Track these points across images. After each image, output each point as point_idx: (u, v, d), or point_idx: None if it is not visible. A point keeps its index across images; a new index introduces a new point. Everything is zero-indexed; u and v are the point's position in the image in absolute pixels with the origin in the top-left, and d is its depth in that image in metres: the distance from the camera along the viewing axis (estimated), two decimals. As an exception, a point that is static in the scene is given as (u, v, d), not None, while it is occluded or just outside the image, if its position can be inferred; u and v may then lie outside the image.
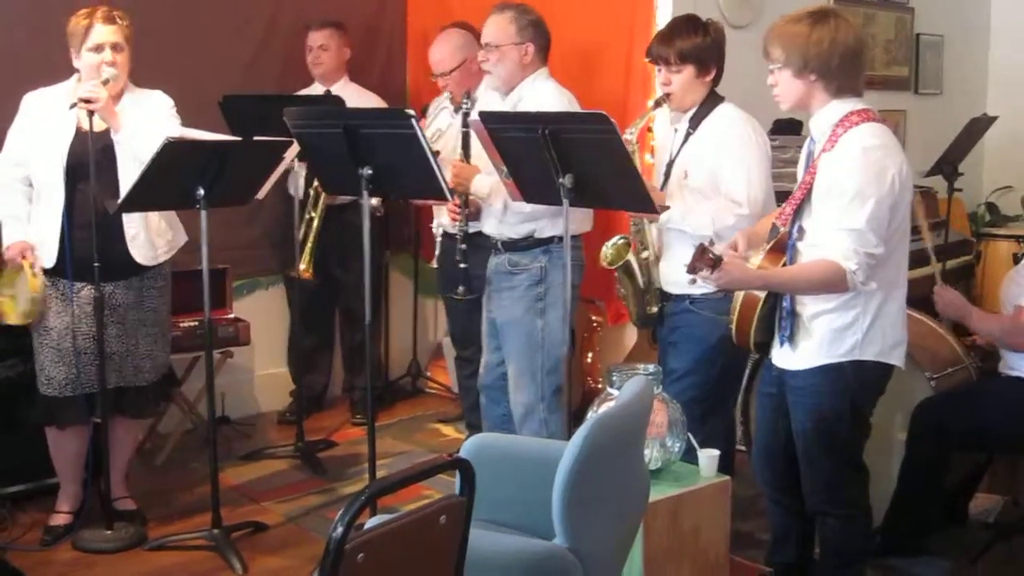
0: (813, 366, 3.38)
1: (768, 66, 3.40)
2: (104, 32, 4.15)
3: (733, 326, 3.52)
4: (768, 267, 3.36)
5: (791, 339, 3.41)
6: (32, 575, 3.68)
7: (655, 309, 4.13)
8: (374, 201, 4.58)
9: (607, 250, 4.11)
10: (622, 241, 4.09)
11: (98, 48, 4.15)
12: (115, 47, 4.17)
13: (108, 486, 4.38)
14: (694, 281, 3.23)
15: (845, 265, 3.18)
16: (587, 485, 2.66)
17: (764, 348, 3.55)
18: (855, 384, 3.39)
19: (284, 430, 5.87)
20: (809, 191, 3.31)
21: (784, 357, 3.46)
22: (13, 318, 4.22)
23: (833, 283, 3.22)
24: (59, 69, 4.35)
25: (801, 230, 3.36)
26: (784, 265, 3.37)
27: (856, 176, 3.18)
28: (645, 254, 4.08)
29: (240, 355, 5.69)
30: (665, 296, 4.10)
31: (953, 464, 4.18)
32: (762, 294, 3.42)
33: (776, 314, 3.46)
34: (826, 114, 3.33)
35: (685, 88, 3.95)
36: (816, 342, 3.37)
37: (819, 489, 3.53)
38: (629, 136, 3.89)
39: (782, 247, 3.39)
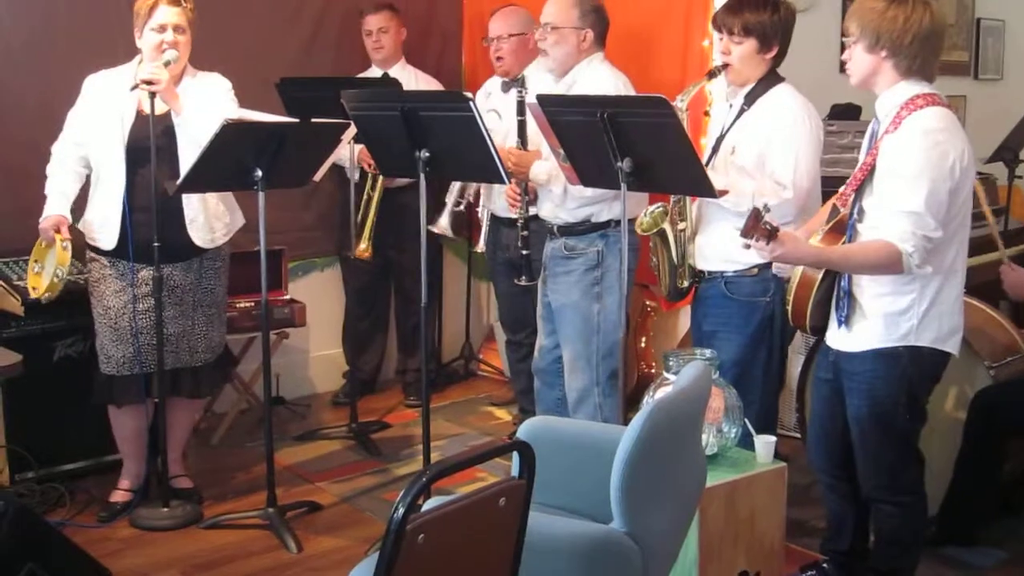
0: (868, 349, 3.36)
1: (846, 41, 3.37)
2: (168, 13, 4.19)
3: (789, 307, 3.49)
4: (802, 239, 3.33)
5: (847, 321, 3.38)
6: (89, 551, 3.71)
7: (686, 284, 4.08)
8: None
9: (644, 218, 4.06)
10: (659, 209, 4.03)
11: (161, 28, 4.18)
12: (177, 28, 4.21)
13: (165, 465, 4.43)
14: (748, 246, 3.18)
15: (901, 247, 3.15)
16: (645, 470, 2.65)
17: (820, 331, 3.53)
18: (911, 370, 3.36)
19: (338, 411, 5.91)
20: (870, 172, 3.29)
21: (840, 339, 3.44)
22: (36, 292, 4.23)
23: (888, 264, 3.19)
24: (119, 53, 4.40)
25: (862, 211, 3.34)
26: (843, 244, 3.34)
27: (916, 158, 3.16)
28: (682, 226, 4.02)
29: (295, 336, 5.74)
30: (696, 274, 4.06)
31: (1010, 454, 4.14)
32: (819, 274, 3.39)
33: (833, 296, 3.43)
34: (892, 95, 3.30)
35: (744, 61, 3.91)
36: (872, 325, 3.34)
37: (875, 475, 3.50)
38: (679, 104, 3.81)
39: (841, 228, 3.36)
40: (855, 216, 3.35)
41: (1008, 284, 4.15)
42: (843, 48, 3.45)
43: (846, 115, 5.39)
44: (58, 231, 4.18)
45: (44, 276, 4.21)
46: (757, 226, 3.09)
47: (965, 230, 3.36)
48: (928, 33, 3.25)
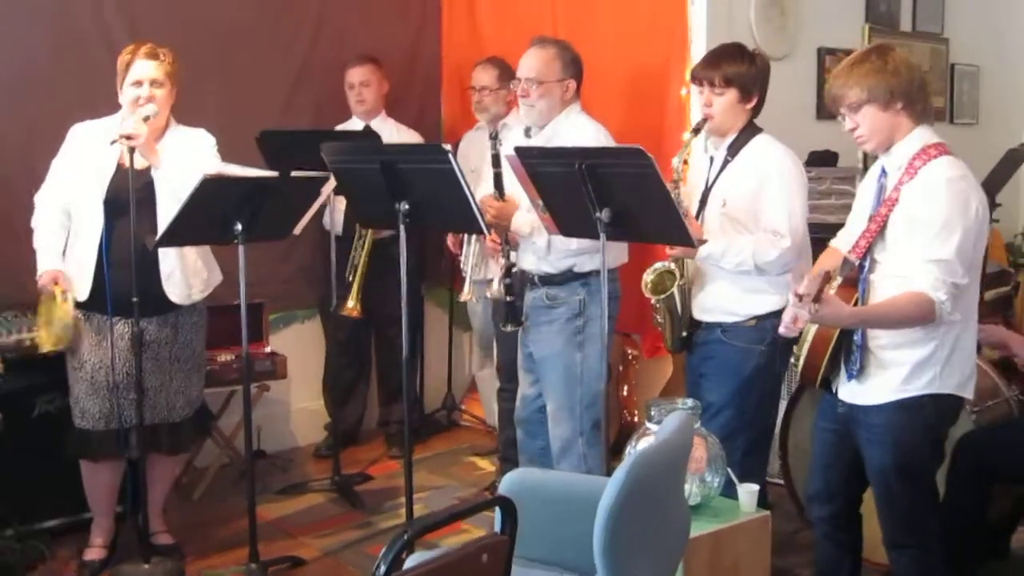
0: (890, 400, 3.34)
1: (843, 112, 3.37)
2: (145, 67, 4.20)
3: (801, 361, 3.47)
4: (843, 301, 3.27)
5: (860, 374, 3.37)
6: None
7: (685, 333, 4.12)
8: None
9: (648, 276, 4.09)
10: (665, 268, 4.07)
11: (138, 83, 4.20)
12: (154, 83, 4.21)
13: (146, 521, 4.38)
14: (815, 311, 3.10)
15: (934, 296, 3.16)
16: (629, 522, 2.64)
17: (828, 383, 3.52)
18: (935, 418, 3.36)
19: (320, 463, 5.88)
20: (884, 224, 3.30)
21: (853, 392, 3.42)
22: (47, 346, 4.24)
23: (923, 315, 3.19)
24: (98, 103, 4.41)
25: (874, 262, 3.34)
26: (857, 299, 3.33)
27: (943, 207, 3.18)
28: (682, 281, 4.07)
29: (276, 388, 5.71)
30: (694, 323, 4.09)
31: (994, 497, 4.13)
32: (835, 330, 3.38)
33: (843, 348, 3.42)
34: (904, 146, 3.32)
35: (726, 111, 3.96)
36: (892, 376, 3.34)
37: (900, 523, 3.48)
38: (676, 164, 3.95)
39: (855, 281, 3.36)
40: (867, 267, 3.35)
41: (981, 337, 4.14)
42: (835, 117, 3.45)
43: (824, 162, 5.42)
44: (56, 283, 4.17)
45: (51, 329, 4.21)
46: (822, 290, 3.06)
47: (978, 275, 3.37)
48: (922, 74, 3.32)
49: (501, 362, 5.49)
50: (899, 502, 3.44)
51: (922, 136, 3.32)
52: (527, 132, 4.51)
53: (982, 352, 4.34)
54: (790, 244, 3.82)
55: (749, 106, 3.98)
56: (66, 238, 4.32)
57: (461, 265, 5.24)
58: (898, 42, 6.15)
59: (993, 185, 5.98)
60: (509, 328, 4.60)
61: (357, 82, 5.82)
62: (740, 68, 3.94)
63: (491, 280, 4.74)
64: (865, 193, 3.52)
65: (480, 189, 4.55)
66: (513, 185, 4.18)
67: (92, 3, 5.25)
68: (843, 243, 3.57)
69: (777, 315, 3.80)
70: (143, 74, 4.20)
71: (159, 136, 4.26)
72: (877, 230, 3.31)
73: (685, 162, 4.58)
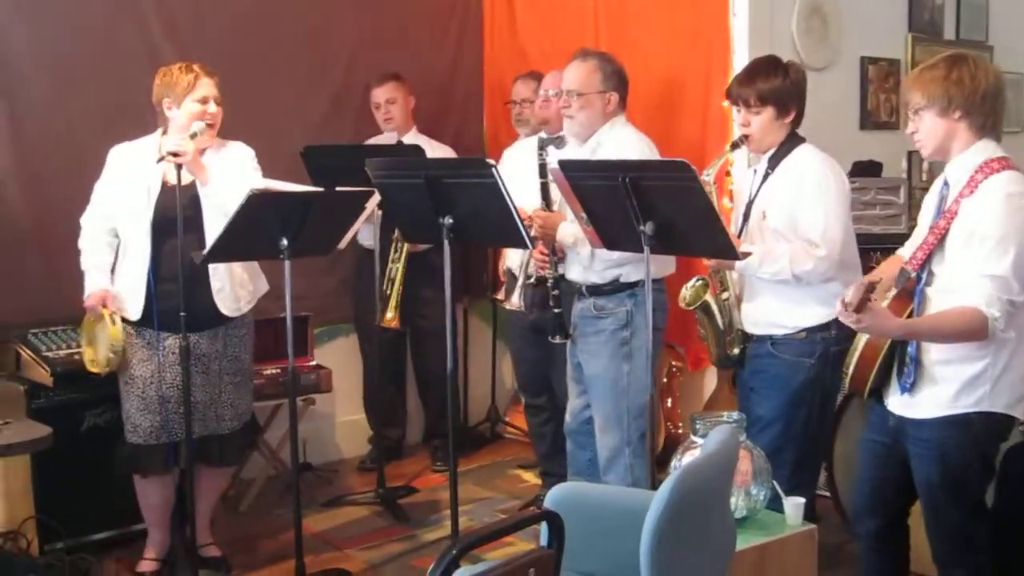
0: (939, 416, 3.31)
1: (908, 115, 3.37)
2: (209, 85, 4.27)
3: (850, 370, 3.46)
4: (894, 313, 3.27)
5: (913, 387, 3.35)
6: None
7: (737, 351, 4.10)
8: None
9: (686, 291, 4.09)
10: (700, 282, 4.07)
11: (204, 100, 4.25)
12: (216, 100, 4.28)
13: (193, 533, 4.42)
14: (858, 320, 3.10)
15: (987, 312, 3.12)
16: (674, 536, 2.64)
17: (877, 394, 3.49)
18: (983, 436, 3.32)
19: (365, 476, 5.90)
20: (943, 236, 3.26)
21: (904, 405, 3.39)
22: (95, 367, 4.30)
23: (974, 330, 3.15)
24: (148, 122, 4.45)
25: (931, 274, 3.31)
26: (911, 310, 3.31)
27: (1000, 222, 3.14)
28: (725, 295, 4.06)
29: (321, 402, 5.75)
30: (746, 337, 4.08)
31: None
32: (886, 340, 3.37)
33: (896, 360, 3.40)
34: (966, 158, 3.28)
35: (764, 129, 3.95)
36: (943, 391, 3.30)
37: (947, 539, 3.44)
38: (706, 177, 3.88)
39: (910, 292, 3.33)
40: (924, 280, 3.32)
41: None
42: (905, 121, 3.43)
43: (868, 172, 5.39)
44: (105, 305, 4.22)
45: (100, 351, 4.27)
46: (865, 300, 3.04)
47: None
48: (995, 89, 3.26)
49: (523, 378, 5.49)
50: (947, 518, 3.41)
51: (985, 149, 3.27)
52: (554, 143, 4.50)
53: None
54: (825, 254, 3.79)
55: (787, 120, 3.96)
56: (112, 258, 4.37)
57: (503, 274, 5.25)
58: (942, 50, 6.14)
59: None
60: (558, 340, 4.61)
61: (383, 100, 5.83)
62: (775, 83, 3.91)
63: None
64: (928, 205, 3.47)
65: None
66: (559, 195, 4.20)
67: (138, 24, 5.32)
68: (907, 253, 3.53)
69: (826, 328, 3.82)
70: (209, 91, 4.27)
71: (201, 152, 4.29)
72: (935, 242, 3.27)
73: (727, 173, 4.60)
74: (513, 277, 5.00)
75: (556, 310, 4.56)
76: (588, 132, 4.44)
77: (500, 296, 5.28)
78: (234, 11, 5.61)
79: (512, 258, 5.09)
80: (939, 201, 3.38)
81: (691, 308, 4.07)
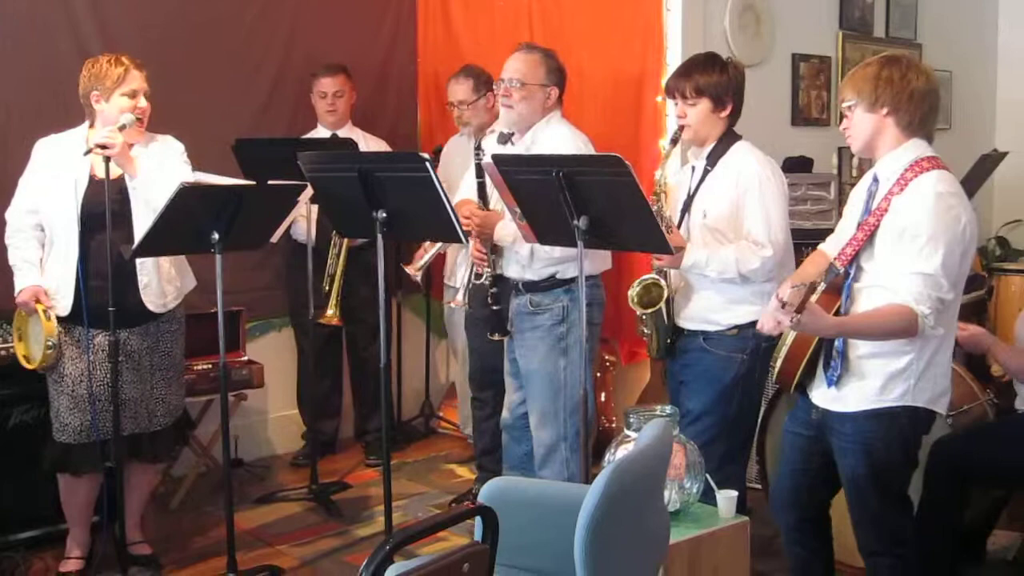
0: (864, 409, 3.35)
1: (843, 112, 3.43)
2: (139, 78, 4.21)
3: (778, 365, 3.49)
4: (824, 311, 3.26)
5: (839, 380, 3.38)
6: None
7: (668, 340, 4.13)
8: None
9: (634, 290, 4.08)
10: (652, 281, 4.07)
11: (133, 94, 4.19)
12: (146, 94, 4.23)
13: (123, 531, 4.35)
14: (797, 321, 3.09)
15: (917, 309, 3.16)
16: (609, 529, 2.64)
17: (802, 388, 3.53)
18: (907, 430, 3.37)
19: (298, 472, 5.86)
20: (872, 233, 3.30)
21: (830, 399, 3.42)
22: (30, 363, 4.23)
23: (905, 328, 3.19)
24: (74, 114, 4.38)
25: (860, 270, 3.35)
26: (839, 306, 3.35)
27: (931, 221, 3.17)
28: (665, 292, 4.08)
29: (253, 397, 5.70)
30: (677, 331, 4.11)
31: (971, 501, 4.16)
32: (815, 336, 3.39)
33: (822, 354, 3.43)
34: (897, 156, 3.32)
35: (700, 121, 3.99)
36: (868, 385, 3.34)
37: (873, 531, 3.49)
38: (658, 176, 3.99)
39: (838, 288, 3.37)
40: (852, 275, 3.36)
41: (963, 337, 4.16)
42: (840, 118, 3.49)
43: (799, 167, 5.46)
44: (38, 301, 4.15)
45: (34, 347, 4.20)
46: (807, 300, 3.04)
47: (960, 291, 3.35)
48: (925, 90, 3.31)
49: (473, 371, 5.49)
50: (872, 510, 3.46)
51: (916, 148, 3.32)
52: (500, 139, 4.51)
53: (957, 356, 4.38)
54: (771, 253, 3.84)
55: (724, 114, 4.00)
56: (41, 253, 4.29)
57: (445, 275, 5.25)
58: (872, 48, 6.23)
59: (966, 190, 6.03)
60: (496, 337, 4.61)
61: (331, 92, 5.80)
62: (711, 78, 3.96)
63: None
64: (855, 200, 3.52)
65: (456, 196, 4.56)
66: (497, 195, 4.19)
67: (65, 14, 5.24)
68: (831, 248, 3.58)
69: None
70: (138, 84, 4.21)
71: (130, 145, 4.22)
72: (864, 239, 3.31)
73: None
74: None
75: (494, 307, 4.56)
76: (525, 125, 4.44)
77: (446, 299, 5.29)
78: (165, 1, 5.54)
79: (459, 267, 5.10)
80: (868, 197, 3.42)
81: (645, 310, 4.06)
